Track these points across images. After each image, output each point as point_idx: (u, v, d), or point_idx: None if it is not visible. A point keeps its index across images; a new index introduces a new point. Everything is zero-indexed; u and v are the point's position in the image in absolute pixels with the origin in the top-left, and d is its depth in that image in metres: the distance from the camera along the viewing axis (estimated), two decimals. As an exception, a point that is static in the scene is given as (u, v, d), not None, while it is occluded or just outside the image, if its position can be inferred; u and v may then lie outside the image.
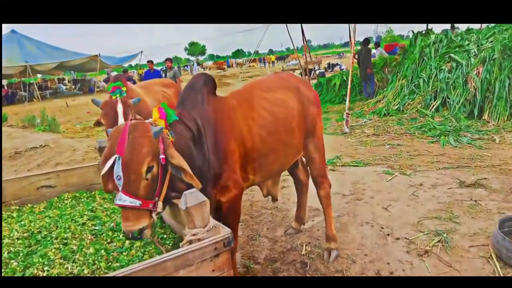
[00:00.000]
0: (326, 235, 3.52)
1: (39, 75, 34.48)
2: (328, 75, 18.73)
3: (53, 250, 2.36)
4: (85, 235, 2.60)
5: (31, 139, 10.18)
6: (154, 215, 2.04)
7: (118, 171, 1.86)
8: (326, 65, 28.71)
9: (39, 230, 2.68)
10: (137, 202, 1.91)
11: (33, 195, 3.33)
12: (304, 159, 3.63)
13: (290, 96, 3.18)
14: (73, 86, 35.17)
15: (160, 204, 2.08)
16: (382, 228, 3.83)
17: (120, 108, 3.85)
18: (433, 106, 9.14)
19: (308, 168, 3.61)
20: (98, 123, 4.10)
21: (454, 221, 3.81)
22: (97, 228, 2.71)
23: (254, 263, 3.47)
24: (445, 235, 3.54)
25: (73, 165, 8.00)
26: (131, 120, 3.96)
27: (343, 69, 22.83)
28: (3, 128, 12.37)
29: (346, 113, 8.79)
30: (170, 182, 2.15)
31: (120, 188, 1.89)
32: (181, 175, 2.05)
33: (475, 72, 8.79)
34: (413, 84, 9.93)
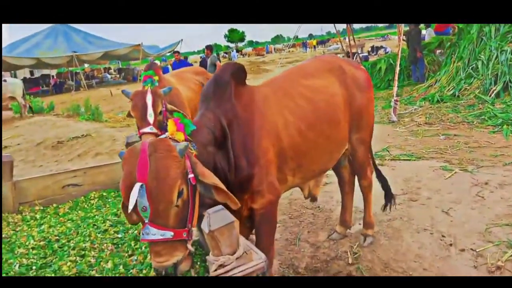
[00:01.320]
0: (364, 222, 3.42)
1: (86, 65, 35.74)
2: (371, 59, 17.78)
3: (69, 264, 2.12)
4: (105, 245, 2.35)
5: (74, 128, 10.33)
6: (189, 245, 1.70)
7: (143, 201, 1.53)
8: (370, 48, 27.45)
9: (57, 237, 2.46)
10: (168, 234, 1.58)
11: (58, 194, 3.15)
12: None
13: (333, 80, 2.76)
14: (118, 75, 36.17)
15: (194, 230, 1.77)
16: (443, 236, 3.31)
17: (149, 98, 3.58)
18: (493, 91, 8.21)
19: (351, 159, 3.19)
20: (130, 115, 3.88)
21: (531, 229, 3.22)
22: (119, 236, 2.46)
23: (293, 272, 3.11)
24: (520, 247, 2.99)
25: (112, 155, 8.00)
26: (162, 111, 3.70)
27: (388, 52, 21.68)
28: (49, 117, 12.74)
29: (394, 100, 8.11)
30: (200, 200, 1.82)
31: (146, 220, 1.57)
32: (212, 195, 1.71)
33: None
34: (470, 67, 8.99)
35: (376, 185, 3.40)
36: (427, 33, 14.42)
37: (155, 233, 1.57)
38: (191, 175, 1.68)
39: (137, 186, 1.52)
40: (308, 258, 3.29)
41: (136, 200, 1.53)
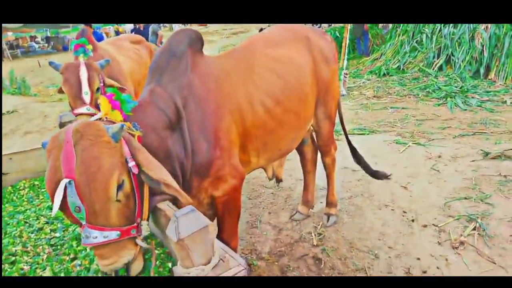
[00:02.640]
0: (327, 201, 3.29)
1: (9, 33, 32.29)
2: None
3: (-5, 274, 1.72)
4: (40, 247, 1.95)
5: (-2, 104, 9.22)
6: (139, 241, 1.42)
7: (74, 201, 1.23)
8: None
9: (-22, 241, 2.01)
10: (114, 235, 1.31)
11: (-21, 185, 2.63)
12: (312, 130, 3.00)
13: (300, 49, 2.52)
14: (46, 44, 33.15)
15: (144, 224, 1.47)
16: (405, 212, 3.29)
17: (84, 72, 3.02)
18: (436, 65, 8.51)
19: (314, 135, 3.02)
20: (61, 91, 3.28)
21: (486, 202, 3.29)
22: (57, 235, 2.07)
23: (257, 258, 2.92)
24: (479, 220, 3.03)
25: (44, 133, 7.22)
26: (100, 87, 3.19)
27: (331, 25, 21.74)
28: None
29: (344, 73, 8.09)
30: (150, 190, 1.50)
31: (83, 222, 1.27)
32: (160, 187, 1.40)
33: (483, 27, 8.11)
34: (415, 40, 9.22)
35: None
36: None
37: (96, 236, 1.29)
38: (131, 163, 1.36)
39: (63, 183, 1.20)
40: (271, 241, 3.11)
41: (67, 201, 1.23)
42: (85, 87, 2.98)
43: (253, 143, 2.17)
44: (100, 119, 1.45)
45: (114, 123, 1.42)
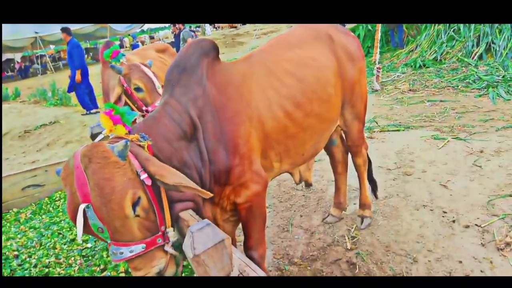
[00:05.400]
0: (360, 202, 3.17)
1: (51, 46, 33.96)
2: (348, 26, 17.37)
3: (29, 286, 1.77)
4: (72, 258, 2.01)
5: (42, 115, 9.69)
6: (168, 248, 1.47)
7: (95, 223, 1.30)
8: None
9: (16, 252, 2.10)
10: (139, 248, 1.37)
11: (18, 197, 2.76)
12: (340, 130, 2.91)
13: (321, 50, 2.43)
14: (86, 56, 34.61)
15: (171, 231, 1.49)
16: (445, 212, 3.11)
17: (147, 70, 3.14)
18: (475, 54, 8.06)
19: (344, 136, 2.92)
20: (123, 94, 3.25)
21: (535, 199, 3.06)
22: (89, 245, 2.12)
23: (289, 263, 2.86)
24: (527, 219, 2.82)
25: (83, 142, 7.51)
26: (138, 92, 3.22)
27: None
28: (14, 104, 11.96)
29: (377, 68, 7.83)
30: (169, 197, 1.53)
31: (108, 241, 1.34)
32: (179, 189, 1.40)
33: (526, 10, 7.59)
34: (452, 29, 8.78)
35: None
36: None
37: (122, 251, 1.36)
38: (143, 176, 1.39)
39: (81, 208, 1.26)
40: (303, 245, 3.04)
41: (89, 224, 1.29)
42: (156, 82, 3.07)
43: (275, 148, 2.12)
44: (105, 136, 1.48)
45: (121, 139, 1.44)
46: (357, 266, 2.70)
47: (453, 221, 2.98)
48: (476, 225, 2.90)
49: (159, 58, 4.62)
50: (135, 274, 1.43)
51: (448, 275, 2.49)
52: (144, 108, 3.08)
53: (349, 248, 2.90)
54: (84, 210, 1.27)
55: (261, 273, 1.22)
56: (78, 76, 8.82)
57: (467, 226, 2.89)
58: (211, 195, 1.45)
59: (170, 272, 1.50)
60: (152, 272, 1.43)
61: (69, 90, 9.33)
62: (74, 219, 1.31)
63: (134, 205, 1.35)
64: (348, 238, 3.01)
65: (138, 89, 3.12)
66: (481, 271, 2.48)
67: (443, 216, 3.06)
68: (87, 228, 1.32)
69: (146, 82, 3.11)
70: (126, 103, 3.14)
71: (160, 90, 3.08)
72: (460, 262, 2.58)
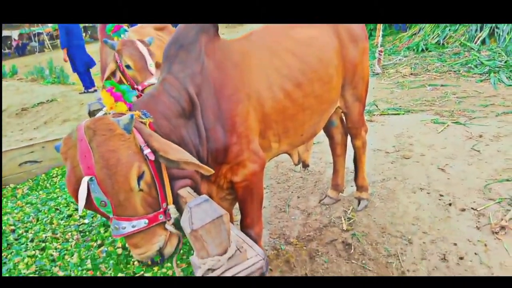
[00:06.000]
0: (358, 184, 3.16)
1: (49, 25, 33.49)
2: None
3: (26, 260, 1.79)
4: (69, 234, 2.02)
5: (39, 93, 9.61)
6: (168, 226, 1.46)
7: (98, 196, 1.28)
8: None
9: (13, 227, 2.10)
10: (142, 223, 1.36)
11: (15, 173, 2.75)
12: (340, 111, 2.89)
13: (325, 29, 2.39)
14: (84, 34, 34.16)
15: (172, 208, 1.48)
16: (441, 195, 3.12)
17: (142, 46, 3.05)
18: (478, 38, 7.97)
19: (343, 118, 2.91)
20: (112, 73, 3.18)
21: (532, 184, 3.07)
22: (86, 221, 2.12)
23: (285, 243, 2.89)
24: (524, 204, 2.83)
25: (81, 120, 7.47)
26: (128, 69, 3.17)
27: None
28: (11, 82, 11.86)
29: (379, 51, 7.75)
30: (169, 174, 1.51)
31: (110, 215, 1.32)
32: (180, 166, 1.39)
33: (532, -5, 7.48)
34: (455, 13, 8.66)
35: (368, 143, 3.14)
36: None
37: (125, 226, 1.34)
38: (147, 150, 1.37)
39: (84, 181, 1.23)
40: (300, 226, 3.06)
41: (91, 197, 1.26)
42: (149, 60, 3.00)
43: (273, 128, 2.10)
44: (105, 113, 1.46)
45: (121, 115, 1.42)
46: (353, 247, 2.72)
47: (449, 204, 2.99)
48: (472, 208, 2.91)
49: (157, 36, 4.53)
50: (134, 252, 1.41)
51: (442, 257, 2.51)
52: (135, 86, 3.00)
53: (345, 229, 2.92)
54: (87, 184, 1.25)
55: (258, 249, 1.22)
56: (64, 55, 8.74)
57: (463, 210, 2.91)
58: (213, 171, 1.44)
59: (168, 251, 1.48)
60: (152, 249, 1.41)
61: (73, 70, 9.24)
62: (74, 193, 1.29)
63: (139, 179, 1.33)
64: (345, 219, 3.03)
65: (128, 67, 3.06)
66: (475, 253, 2.50)
67: (439, 199, 3.08)
68: (89, 203, 1.30)
69: (136, 59, 3.00)
70: (120, 81, 3.07)
71: (152, 69, 3.00)
72: (455, 244, 2.60)
